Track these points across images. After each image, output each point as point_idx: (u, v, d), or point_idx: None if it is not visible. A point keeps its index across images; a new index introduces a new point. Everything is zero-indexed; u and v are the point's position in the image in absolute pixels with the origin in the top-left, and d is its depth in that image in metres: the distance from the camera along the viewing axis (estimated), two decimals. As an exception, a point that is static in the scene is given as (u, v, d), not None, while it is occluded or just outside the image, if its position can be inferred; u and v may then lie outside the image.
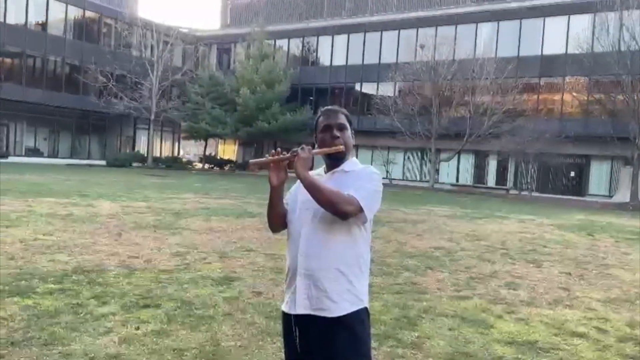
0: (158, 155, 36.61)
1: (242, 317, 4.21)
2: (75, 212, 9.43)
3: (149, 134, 34.43)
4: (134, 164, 33.09)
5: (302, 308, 1.97)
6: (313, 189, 1.91)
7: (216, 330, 3.86)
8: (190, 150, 47.57)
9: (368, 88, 34.41)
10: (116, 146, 36.48)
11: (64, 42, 32.70)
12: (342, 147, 2.06)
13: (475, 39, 30.65)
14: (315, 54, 36.98)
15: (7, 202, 10.26)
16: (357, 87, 35.16)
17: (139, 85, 32.86)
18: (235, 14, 43.34)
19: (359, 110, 34.54)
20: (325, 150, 2.07)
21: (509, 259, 7.64)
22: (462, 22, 31.28)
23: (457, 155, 30.44)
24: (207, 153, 38.16)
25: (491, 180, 31.74)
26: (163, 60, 33.65)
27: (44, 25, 32.15)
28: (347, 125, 2.13)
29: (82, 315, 3.95)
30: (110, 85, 31.79)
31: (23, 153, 31.52)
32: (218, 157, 39.08)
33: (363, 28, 34.22)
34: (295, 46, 37.41)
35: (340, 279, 1.97)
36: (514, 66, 27.34)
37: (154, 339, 3.60)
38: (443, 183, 31.06)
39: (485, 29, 31.00)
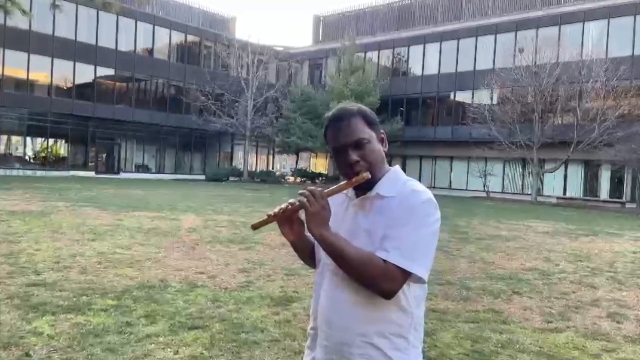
0: (253, 169, 37.84)
1: (290, 344, 3.87)
2: (159, 226, 9.74)
3: (244, 149, 35.72)
4: (231, 178, 34.48)
5: None
6: (336, 257, 1.39)
7: (257, 358, 3.55)
8: (286, 164, 48.83)
9: (462, 96, 33.00)
10: (215, 162, 38.26)
11: (168, 65, 35.05)
12: (366, 176, 1.45)
13: (582, 39, 28.25)
14: (406, 64, 36.26)
15: (102, 215, 10.88)
16: (451, 96, 33.87)
17: (236, 103, 34.30)
18: (327, 29, 43.89)
19: (453, 120, 33.28)
20: (343, 187, 1.48)
21: (617, 284, 6.59)
22: (567, 22, 29.01)
23: (563, 166, 28.06)
24: (299, 167, 38.79)
25: (604, 192, 28.83)
26: (257, 78, 34.81)
27: (150, 51, 34.72)
28: (368, 132, 1.49)
29: (126, 335, 3.84)
30: (209, 104, 33.49)
31: (133, 169, 34.08)
32: (310, 171, 39.57)
33: (457, 34, 32.98)
34: (385, 57, 36.97)
35: (375, 356, 1.42)
36: (627, 67, 24.74)
37: (189, 366, 3.37)
38: (548, 196, 28.76)
39: (594, 28, 28.45)
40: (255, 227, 1.56)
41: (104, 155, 33.67)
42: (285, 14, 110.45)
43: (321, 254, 1.52)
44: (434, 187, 33.33)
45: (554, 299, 5.68)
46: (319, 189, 1.46)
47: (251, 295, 5.17)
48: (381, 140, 1.54)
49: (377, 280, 1.36)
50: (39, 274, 5.54)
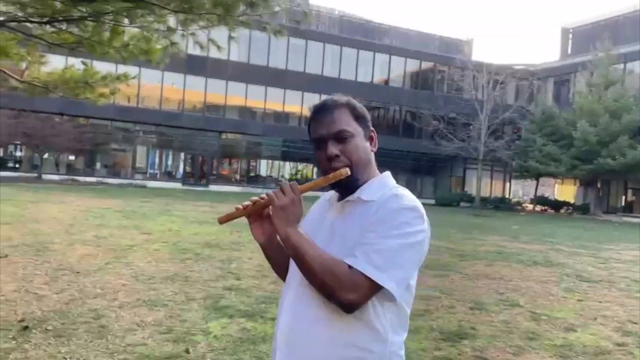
0: (487, 195, 36.02)
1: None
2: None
3: (477, 174, 34.34)
4: (462, 204, 33.45)
5: None
6: (298, 260, 1.24)
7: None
8: (529, 190, 45.18)
9: None
10: (446, 186, 37.73)
11: (402, 92, 36.27)
12: (344, 173, 1.30)
13: None
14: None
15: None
16: None
17: (469, 126, 33.38)
18: (577, 42, 39.45)
19: None
20: (319, 183, 1.33)
21: None
22: None
23: None
24: (540, 193, 35.39)
25: None
26: (493, 99, 33.29)
27: (386, 80, 36.49)
28: (354, 127, 1.34)
29: (279, 346, 3.95)
30: (441, 128, 33.34)
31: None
32: (552, 199, 35.72)
33: None
34: (653, 66, 31.25)
35: None
36: None
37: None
38: None
39: None
40: (222, 221, 1.45)
41: (342, 179, 36.47)
42: (528, 32, 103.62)
43: (291, 261, 1.34)
44: None
45: None
46: (294, 182, 1.31)
47: (420, 325, 4.81)
48: (370, 139, 1.40)
49: (338, 288, 1.19)
50: (238, 279, 6.19)
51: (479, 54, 69.39)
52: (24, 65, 5.92)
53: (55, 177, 28.06)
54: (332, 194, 1.43)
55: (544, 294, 6.59)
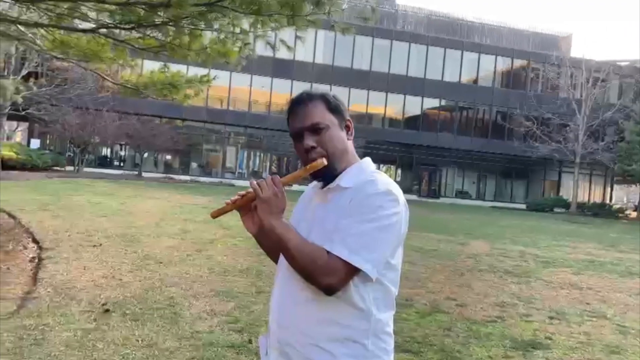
0: (585, 200, 33.59)
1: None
2: (441, 248, 9.69)
3: (574, 177, 32.14)
4: (556, 210, 31.47)
5: None
6: (283, 249, 1.32)
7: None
8: (634, 197, 41.56)
9: None
10: (539, 190, 35.71)
11: (491, 91, 34.81)
12: (321, 163, 1.36)
13: None
14: None
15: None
16: None
17: (565, 127, 31.33)
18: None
19: None
20: (299, 174, 1.41)
21: None
22: None
23: None
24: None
25: None
26: (592, 98, 31.00)
27: (475, 79, 35.21)
28: (329, 118, 1.39)
29: None
30: (534, 129, 31.59)
31: (453, 195, 34.97)
32: (661, 206, 32.57)
33: None
34: None
35: None
36: None
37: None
38: None
39: None
40: (214, 215, 1.52)
41: (426, 180, 35.68)
42: (633, 25, 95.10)
43: None
44: None
45: None
46: (275, 175, 1.38)
47: (491, 332, 4.61)
48: (346, 128, 1.45)
49: (317, 273, 1.26)
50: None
51: (578, 50, 64.84)
52: (117, 68, 6.43)
53: (154, 175, 30.05)
54: (317, 183, 1.48)
55: (637, 307, 6.05)
